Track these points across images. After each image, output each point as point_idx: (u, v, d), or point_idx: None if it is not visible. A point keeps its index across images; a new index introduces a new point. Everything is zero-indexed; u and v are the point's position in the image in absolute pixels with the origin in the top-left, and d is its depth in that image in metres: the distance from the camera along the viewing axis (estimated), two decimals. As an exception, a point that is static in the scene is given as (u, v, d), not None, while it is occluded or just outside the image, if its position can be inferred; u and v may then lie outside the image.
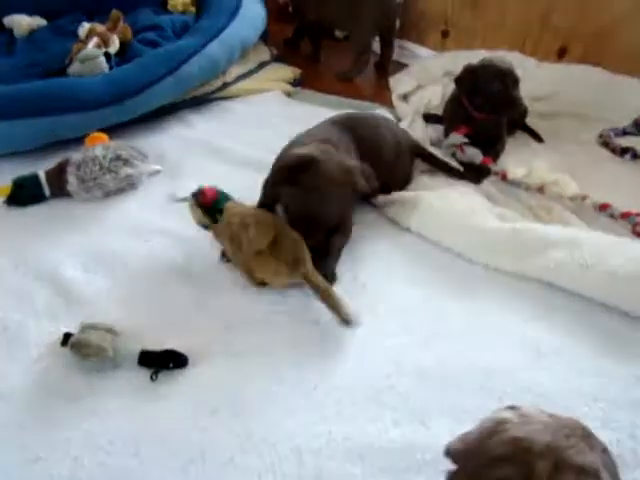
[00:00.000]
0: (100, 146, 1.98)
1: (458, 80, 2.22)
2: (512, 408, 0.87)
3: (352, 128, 1.88)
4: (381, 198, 1.95)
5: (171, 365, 1.39)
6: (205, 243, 1.74)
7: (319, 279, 1.54)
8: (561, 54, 2.77)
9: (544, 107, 2.58)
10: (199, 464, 1.22)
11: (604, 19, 2.58)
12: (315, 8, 2.97)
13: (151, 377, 1.38)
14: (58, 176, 1.94)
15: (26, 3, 2.95)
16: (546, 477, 0.75)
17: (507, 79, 2.09)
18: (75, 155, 1.96)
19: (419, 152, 2.11)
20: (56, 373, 1.40)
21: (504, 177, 2.10)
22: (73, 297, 1.60)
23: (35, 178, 1.93)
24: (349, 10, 2.85)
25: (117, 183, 1.97)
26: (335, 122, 1.91)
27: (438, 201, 1.83)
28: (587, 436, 0.82)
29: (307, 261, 1.56)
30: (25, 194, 1.92)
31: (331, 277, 1.64)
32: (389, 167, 1.92)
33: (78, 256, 1.74)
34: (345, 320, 1.49)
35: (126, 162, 1.98)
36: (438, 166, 2.11)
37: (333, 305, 1.50)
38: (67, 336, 1.43)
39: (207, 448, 1.24)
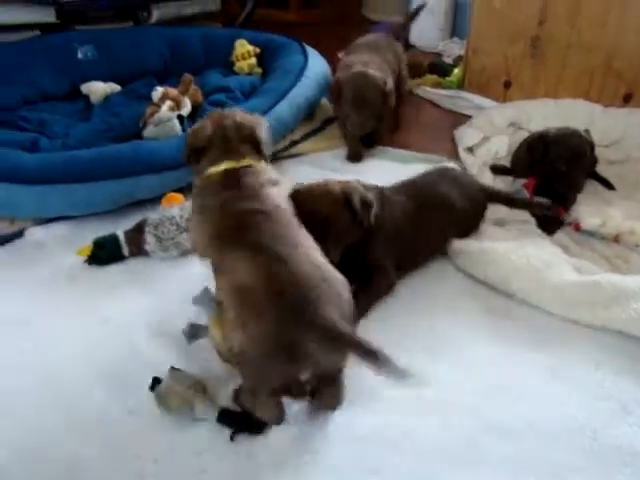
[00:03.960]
0: (176, 206, 2.04)
1: (530, 147, 2.24)
2: None
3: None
4: (454, 247, 1.95)
5: (247, 431, 1.38)
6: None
7: None
8: (627, 99, 2.75)
9: (613, 154, 2.56)
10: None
11: (669, 62, 2.57)
12: None
13: (230, 437, 1.38)
14: (136, 236, 1.99)
15: (101, 70, 3.12)
16: None
17: (574, 162, 2.12)
18: (152, 215, 2.02)
19: (492, 196, 2.10)
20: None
21: (577, 227, 2.08)
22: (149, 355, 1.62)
23: (114, 238, 1.99)
24: None
25: (193, 242, 2.01)
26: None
27: (514, 254, 1.81)
28: None
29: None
30: (105, 254, 1.98)
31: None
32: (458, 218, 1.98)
33: (157, 315, 1.77)
34: None
35: (201, 221, 2.02)
36: (516, 205, 2.11)
37: None
38: (156, 381, 1.47)
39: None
